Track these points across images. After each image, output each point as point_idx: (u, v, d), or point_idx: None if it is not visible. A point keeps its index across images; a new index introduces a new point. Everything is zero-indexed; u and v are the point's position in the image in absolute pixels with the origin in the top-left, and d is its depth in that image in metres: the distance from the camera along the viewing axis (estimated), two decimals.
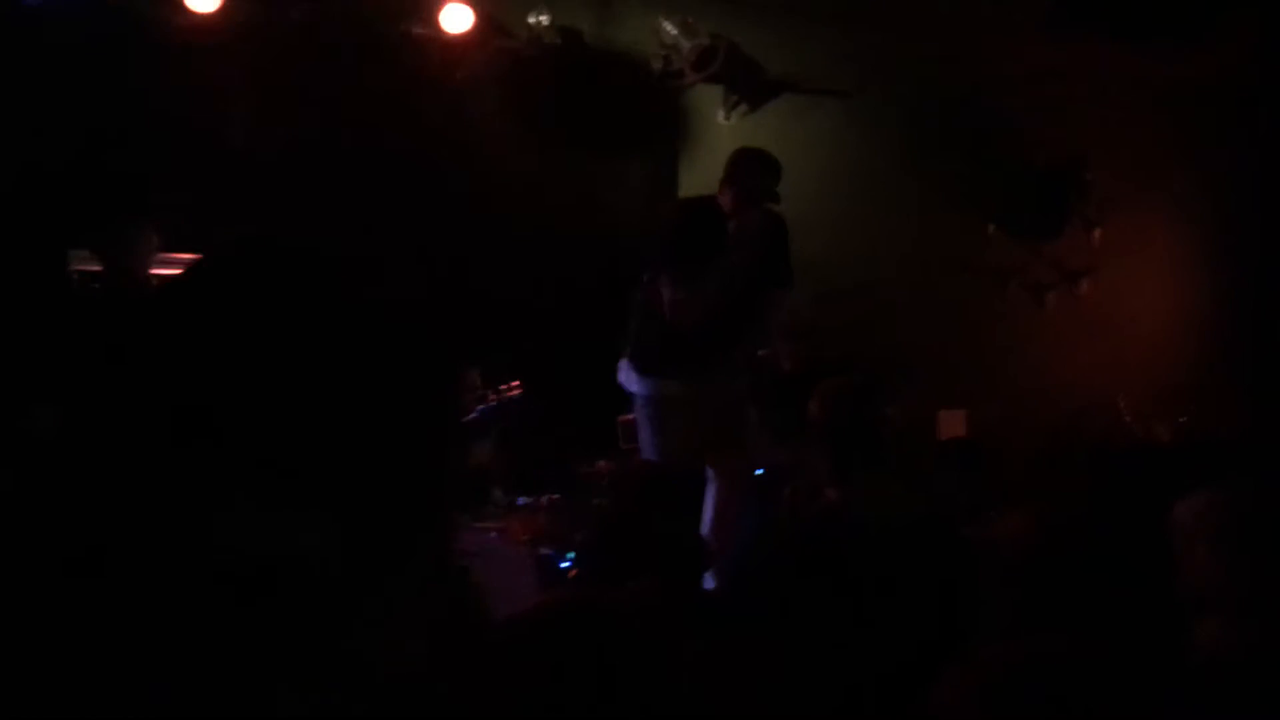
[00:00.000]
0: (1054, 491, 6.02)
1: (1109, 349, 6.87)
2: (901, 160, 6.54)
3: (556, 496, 5.14)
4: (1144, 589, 2.29)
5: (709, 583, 3.94)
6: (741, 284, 4.41)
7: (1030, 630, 2.06)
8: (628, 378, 4.67)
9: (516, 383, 5.32)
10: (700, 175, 5.75)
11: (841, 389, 3.25)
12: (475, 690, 1.40)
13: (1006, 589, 2.26)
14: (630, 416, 4.97)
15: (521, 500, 5.23)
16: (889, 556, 2.80)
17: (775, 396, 5.01)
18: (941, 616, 2.62)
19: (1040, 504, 2.46)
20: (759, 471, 4.90)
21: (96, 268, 4.48)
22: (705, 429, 4.59)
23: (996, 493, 4.24)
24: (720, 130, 6.20)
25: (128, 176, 5.06)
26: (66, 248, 4.63)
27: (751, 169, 4.48)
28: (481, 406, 5.24)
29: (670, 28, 5.89)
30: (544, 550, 4.71)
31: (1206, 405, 6.78)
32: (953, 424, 6.43)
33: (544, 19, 5.71)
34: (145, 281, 4.43)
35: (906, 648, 2.52)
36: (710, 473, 4.60)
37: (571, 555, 4.72)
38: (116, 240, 4.40)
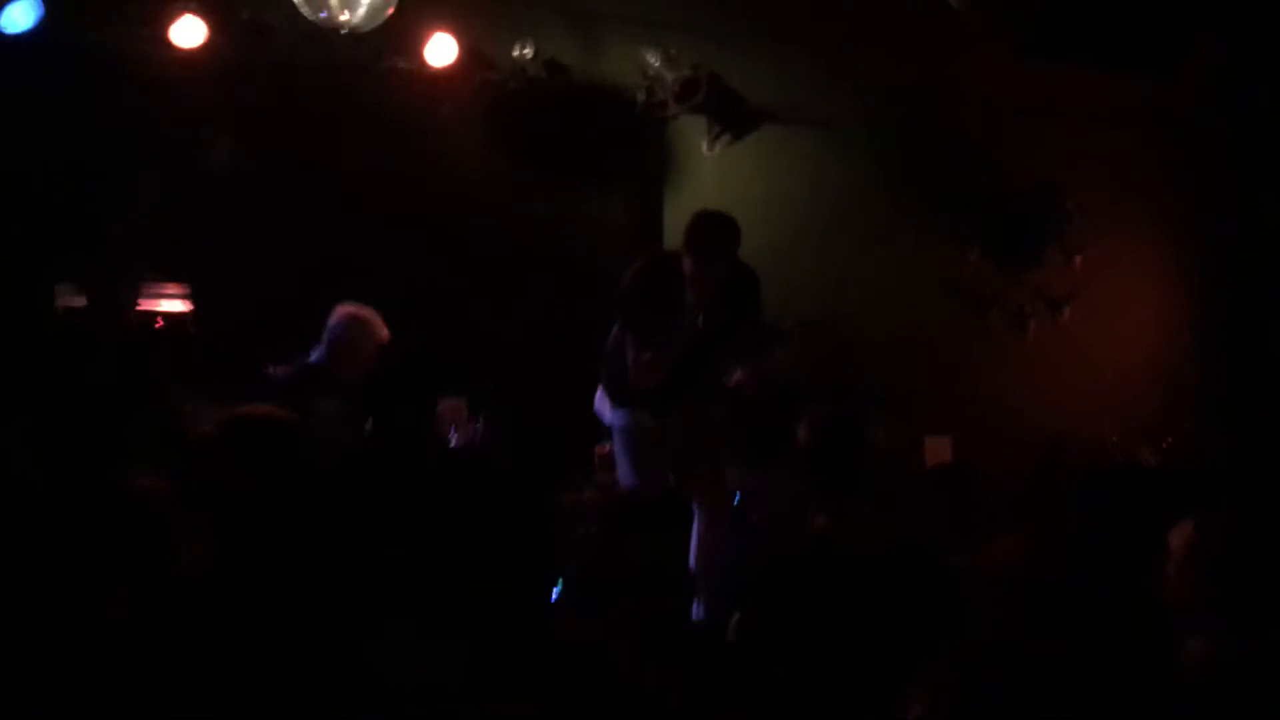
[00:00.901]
0: (1041, 516, 6.03)
1: (1092, 374, 6.90)
2: (884, 188, 6.57)
3: None
4: (1131, 610, 2.30)
5: (697, 612, 3.93)
6: (701, 344, 4.41)
7: (1018, 653, 2.07)
8: (603, 408, 4.68)
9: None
10: (685, 206, 5.76)
11: (830, 416, 3.25)
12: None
13: (996, 613, 2.26)
14: (606, 448, 4.97)
15: None
16: (882, 584, 2.80)
17: (745, 423, 5.02)
18: (933, 643, 2.61)
19: (1028, 529, 2.46)
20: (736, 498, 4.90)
21: (82, 303, 4.47)
22: (682, 458, 4.59)
23: (984, 518, 4.24)
24: (704, 161, 6.23)
25: (111, 212, 5.06)
26: (52, 283, 4.61)
27: (707, 232, 4.45)
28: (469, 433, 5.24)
29: (653, 59, 5.93)
30: None
31: (1190, 429, 6.81)
32: (939, 450, 6.45)
33: (528, 52, 5.74)
34: (129, 315, 4.42)
35: (900, 674, 2.52)
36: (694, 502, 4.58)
37: (559, 586, 4.69)
38: (101, 275, 4.39)
